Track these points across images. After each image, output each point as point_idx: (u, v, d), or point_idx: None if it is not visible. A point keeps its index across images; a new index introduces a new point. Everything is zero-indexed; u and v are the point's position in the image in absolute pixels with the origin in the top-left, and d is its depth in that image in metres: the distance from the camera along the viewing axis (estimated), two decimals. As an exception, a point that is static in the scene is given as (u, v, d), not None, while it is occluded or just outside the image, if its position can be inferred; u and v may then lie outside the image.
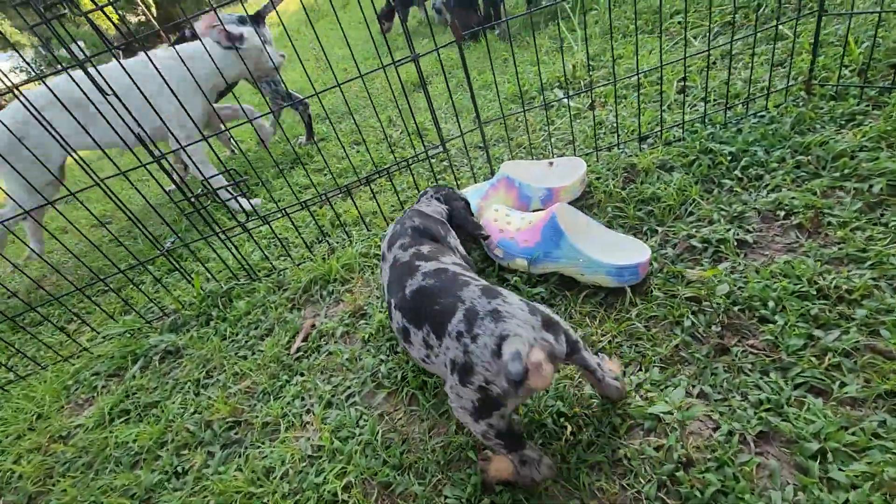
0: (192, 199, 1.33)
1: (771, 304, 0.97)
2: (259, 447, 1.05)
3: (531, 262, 1.18)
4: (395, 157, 1.68)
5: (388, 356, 1.15)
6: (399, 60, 1.31)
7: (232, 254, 1.51)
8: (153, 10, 6.05)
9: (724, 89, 1.65)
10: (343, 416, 1.05)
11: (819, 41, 1.45)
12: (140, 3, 5.55)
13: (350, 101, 3.19)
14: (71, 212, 3.28)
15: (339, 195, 1.94)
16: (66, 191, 1.22)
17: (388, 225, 1.62)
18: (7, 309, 2.15)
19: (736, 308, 0.99)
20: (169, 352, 1.45)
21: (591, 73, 2.21)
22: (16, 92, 1.18)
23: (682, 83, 1.82)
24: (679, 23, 2.33)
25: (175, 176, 1.29)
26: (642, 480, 0.79)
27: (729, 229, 1.17)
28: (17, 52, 1.18)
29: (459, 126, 1.57)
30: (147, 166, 1.29)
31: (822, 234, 1.09)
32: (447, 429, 0.97)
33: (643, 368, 0.96)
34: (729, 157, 1.36)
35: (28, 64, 1.25)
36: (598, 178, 1.45)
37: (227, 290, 1.57)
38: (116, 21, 1.17)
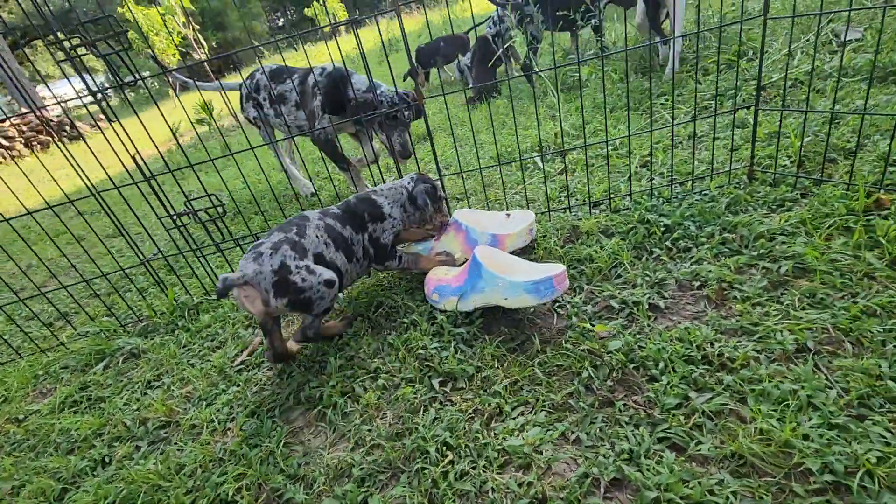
0: (174, 216, 1.50)
1: (661, 364, 1.04)
2: (181, 446, 1.14)
3: (461, 297, 1.28)
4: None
5: (316, 376, 1.25)
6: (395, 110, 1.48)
7: (206, 271, 1.65)
8: (206, 50, 6.68)
9: (682, 168, 1.77)
10: (260, 427, 1.13)
11: (777, 132, 1.57)
12: (198, 46, 6.16)
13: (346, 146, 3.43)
14: (93, 220, 3.54)
15: None
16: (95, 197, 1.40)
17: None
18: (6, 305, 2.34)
19: (631, 365, 1.06)
20: (133, 353, 1.57)
21: (566, 140, 2.38)
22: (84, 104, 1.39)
23: (645, 157, 1.96)
24: (662, 104, 2.50)
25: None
26: (499, 512, 0.85)
27: (646, 294, 1.25)
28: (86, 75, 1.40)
29: (440, 174, 1.72)
30: (139, 184, 1.46)
31: (726, 306, 1.17)
32: (345, 446, 1.04)
33: (533, 411, 1.03)
34: (663, 229, 1.45)
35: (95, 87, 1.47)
36: (543, 236, 1.56)
37: (196, 303, 1.70)
38: (177, 60, 1.39)
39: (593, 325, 1.18)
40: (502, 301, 1.23)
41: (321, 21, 10.89)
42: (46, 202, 1.49)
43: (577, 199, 1.79)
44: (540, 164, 2.16)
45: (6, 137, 10.09)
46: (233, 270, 1.76)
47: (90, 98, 1.33)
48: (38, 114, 1.37)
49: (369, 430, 1.06)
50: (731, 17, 3.28)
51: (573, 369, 1.10)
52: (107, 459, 1.16)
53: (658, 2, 2.88)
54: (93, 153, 1.47)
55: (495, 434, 0.99)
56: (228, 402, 1.24)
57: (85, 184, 1.44)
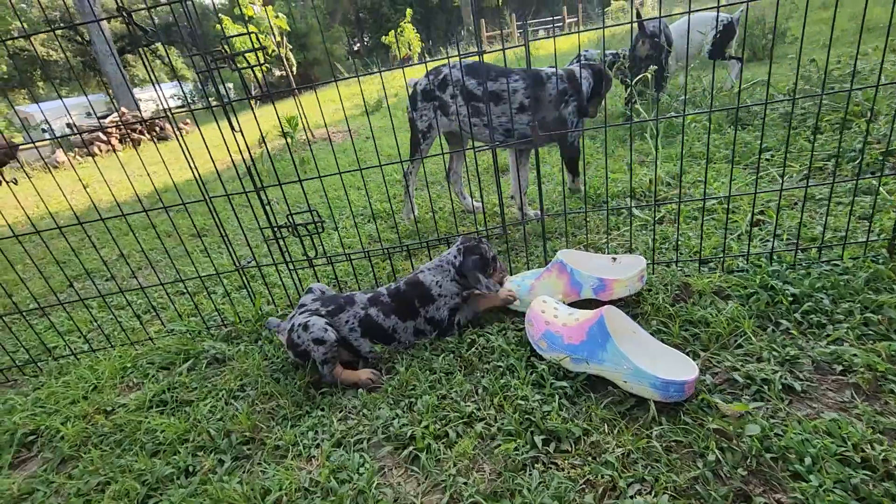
0: (275, 228, 1.52)
1: (808, 460, 0.90)
2: (264, 467, 1.11)
3: (574, 360, 1.19)
4: (459, 230, 1.79)
5: (405, 412, 1.19)
6: (479, 147, 1.46)
7: (295, 284, 1.66)
8: (294, 68, 7.07)
9: (797, 230, 1.63)
10: (346, 459, 1.08)
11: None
12: (284, 62, 6.55)
13: (431, 174, 3.45)
14: (178, 219, 3.73)
15: (402, 253, 2.08)
16: (180, 199, 1.45)
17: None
18: (103, 289, 2.46)
19: (768, 455, 0.93)
20: (217, 358, 1.58)
21: (661, 188, 2.26)
22: (169, 115, 1.45)
23: (757, 216, 1.82)
24: (767, 159, 2.35)
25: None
26: None
27: (777, 371, 1.11)
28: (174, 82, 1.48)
29: (522, 217, 1.66)
30: (248, 194, 1.50)
31: (881, 400, 1.02)
32: (439, 498, 0.97)
33: (653, 493, 0.92)
34: (790, 299, 1.32)
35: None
36: (649, 290, 1.46)
37: (280, 314, 1.70)
38: (261, 76, 1.44)
39: (719, 400, 1.05)
40: (620, 382, 1.13)
41: (396, 48, 11.33)
42: (160, 199, 1.55)
43: (681, 253, 1.68)
44: (637, 212, 2.06)
45: (105, 132, 11.05)
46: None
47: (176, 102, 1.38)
48: (141, 114, 1.43)
49: (465, 484, 0.98)
50: (837, 75, 3.09)
51: (695, 448, 0.98)
52: (191, 469, 1.14)
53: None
54: (208, 149, 1.52)
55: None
56: (313, 426, 1.20)
57: (200, 189, 1.48)
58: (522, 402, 1.12)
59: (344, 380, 1.33)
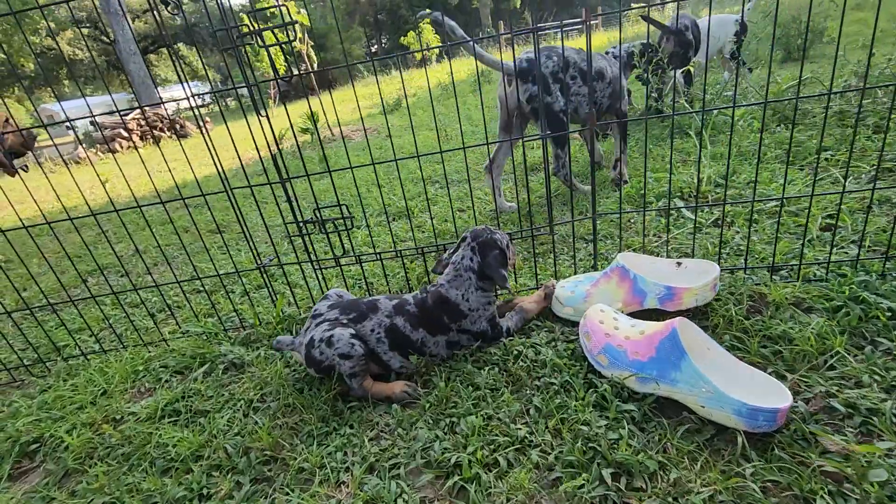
0: (300, 224, 1.39)
1: (949, 516, 0.74)
2: (287, 494, 0.97)
3: (641, 379, 1.04)
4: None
5: (447, 433, 1.04)
6: (529, 137, 1.31)
7: (319, 284, 1.53)
8: (315, 64, 7.01)
9: (882, 237, 1.45)
10: (382, 488, 0.94)
11: None
12: (306, 59, 6.48)
13: (457, 172, 3.31)
14: (196, 214, 3.65)
15: (437, 252, 1.94)
16: (200, 192, 1.33)
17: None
18: (116, 286, 2.36)
19: (893, 504, 0.77)
20: (234, 364, 1.45)
21: (710, 188, 2.09)
22: (196, 113, 1.34)
23: (826, 220, 1.64)
24: (826, 159, 2.16)
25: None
26: None
27: (886, 400, 0.95)
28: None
29: (572, 212, 1.52)
30: (272, 185, 1.37)
31: None
32: (494, 543, 0.82)
33: (754, 546, 0.76)
34: (889, 314, 1.14)
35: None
36: (717, 300, 1.30)
37: (304, 317, 1.57)
38: (282, 70, 1.31)
39: (848, 440, 0.89)
40: (696, 406, 0.98)
41: (415, 49, 11.23)
42: (179, 193, 1.43)
43: (743, 260, 1.51)
44: (689, 213, 1.89)
45: (126, 129, 11.15)
46: (347, 288, 1.63)
47: (200, 100, 1.25)
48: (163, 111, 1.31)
49: (523, 525, 0.83)
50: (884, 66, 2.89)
51: (798, 492, 0.82)
52: (205, 492, 1.01)
53: None
54: (232, 139, 1.39)
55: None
56: (342, 445, 1.06)
57: (220, 179, 1.36)
58: (584, 428, 0.97)
59: (375, 393, 1.19)
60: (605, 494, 0.86)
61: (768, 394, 0.95)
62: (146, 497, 1.02)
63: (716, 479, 0.86)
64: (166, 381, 1.43)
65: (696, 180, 2.17)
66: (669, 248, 1.68)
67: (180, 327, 1.69)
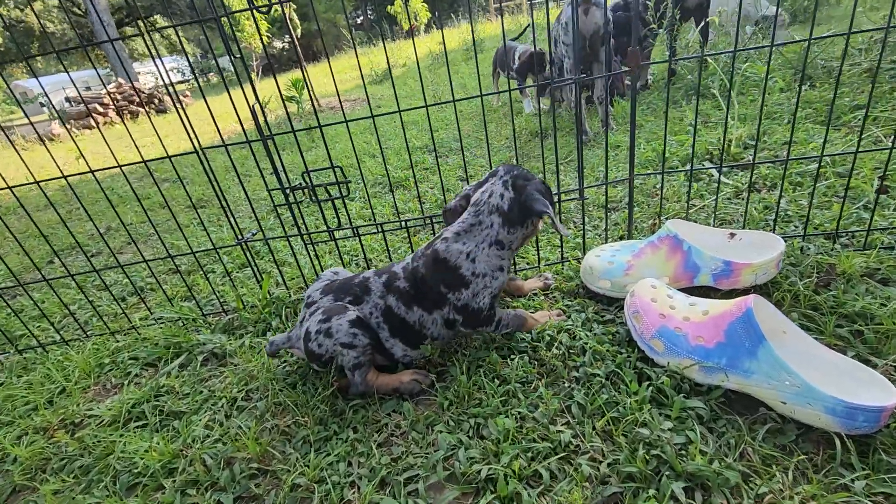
0: (287, 190, 1.17)
1: None
2: (280, 517, 0.79)
3: (705, 368, 0.86)
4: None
5: (472, 438, 0.86)
6: (560, 81, 1.10)
7: (311, 260, 1.32)
8: (299, 31, 6.58)
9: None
10: (397, 509, 0.76)
11: None
12: (288, 23, 6.00)
13: (466, 135, 3.08)
14: (172, 190, 3.39)
15: (444, 223, 1.74)
16: (175, 174, 1.11)
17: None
18: (83, 268, 2.13)
19: None
20: (215, 354, 1.26)
21: (739, 151, 1.90)
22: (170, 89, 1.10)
23: (882, 181, 1.46)
24: (859, 118, 1.98)
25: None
26: None
27: None
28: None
29: (606, 173, 1.31)
30: (251, 144, 1.15)
31: None
32: (545, 583, 0.65)
33: (880, 583, 0.59)
34: (985, 286, 0.97)
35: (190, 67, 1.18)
36: (778, 275, 1.11)
37: (295, 300, 1.37)
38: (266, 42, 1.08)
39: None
40: (774, 403, 0.80)
41: (402, 20, 10.74)
42: (148, 170, 1.20)
43: (795, 226, 1.33)
44: (721, 176, 1.70)
45: (102, 104, 10.63)
46: (343, 265, 1.42)
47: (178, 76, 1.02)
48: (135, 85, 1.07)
49: (580, 558, 0.66)
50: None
51: (919, 507, 0.66)
52: (179, 515, 0.83)
53: None
54: (210, 110, 1.16)
55: None
56: (345, 454, 0.88)
57: (192, 141, 1.14)
58: (643, 431, 0.79)
59: (380, 386, 1.00)
60: (678, 515, 0.69)
61: (864, 386, 0.78)
62: (106, 524, 0.83)
63: (814, 494, 0.69)
64: (135, 375, 1.23)
65: (723, 141, 1.98)
66: (708, 215, 1.49)
67: (152, 313, 1.48)
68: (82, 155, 1.29)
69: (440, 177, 1.31)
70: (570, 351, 1.01)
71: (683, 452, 0.76)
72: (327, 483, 0.83)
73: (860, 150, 1.17)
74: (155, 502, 0.85)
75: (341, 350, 0.96)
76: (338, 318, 0.97)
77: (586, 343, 1.00)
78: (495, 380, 0.97)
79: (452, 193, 2.09)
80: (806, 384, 0.76)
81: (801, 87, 1.16)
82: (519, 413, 0.88)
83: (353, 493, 0.82)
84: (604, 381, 0.91)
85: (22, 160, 1.23)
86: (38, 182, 1.22)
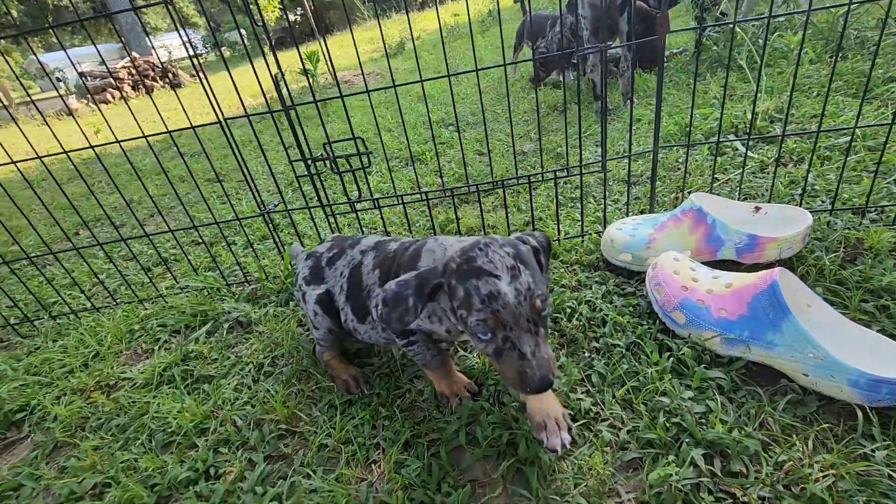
0: (309, 161, 1.18)
1: None
2: (309, 476, 0.82)
3: (728, 341, 0.86)
4: (517, 172, 1.44)
5: (492, 404, 0.88)
6: (585, 49, 1.08)
7: (332, 231, 1.34)
8: (313, 2, 6.47)
9: None
10: (420, 469, 0.79)
11: None
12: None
13: (486, 109, 3.03)
14: (192, 164, 3.42)
15: (469, 194, 1.74)
16: (200, 147, 1.12)
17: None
18: (108, 239, 2.18)
19: None
20: (240, 322, 1.29)
21: (765, 125, 1.85)
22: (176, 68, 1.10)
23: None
24: (893, 91, 1.90)
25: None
26: None
27: None
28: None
29: (630, 144, 1.29)
30: (273, 114, 1.15)
31: None
32: (565, 540, 0.67)
33: (897, 548, 0.60)
34: None
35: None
36: (803, 249, 1.10)
37: (315, 271, 1.39)
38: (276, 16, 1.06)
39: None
40: (796, 375, 0.81)
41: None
42: (174, 143, 1.22)
43: (822, 201, 1.30)
44: (743, 149, 1.66)
45: (117, 79, 10.67)
46: (362, 233, 1.44)
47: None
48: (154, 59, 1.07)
49: (600, 518, 0.68)
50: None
51: (941, 478, 0.66)
52: (212, 471, 0.87)
53: None
54: (232, 80, 1.16)
55: None
56: (369, 418, 0.91)
57: (215, 112, 1.15)
58: (663, 400, 0.81)
59: (330, 372, 1.03)
60: (697, 481, 0.70)
61: (888, 360, 0.77)
62: (145, 477, 0.88)
63: (834, 462, 0.70)
64: (164, 341, 1.27)
65: (752, 114, 1.92)
66: (732, 189, 1.47)
67: (178, 282, 1.52)
68: (109, 126, 1.30)
69: (461, 149, 1.30)
70: (591, 322, 1.01)
71: (703, 421, 0.77)
72: (353, 444, 0.86)
73: (895, 122, 1.14)
74: (189, 459, 0.90)
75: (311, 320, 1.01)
76: (314, 289, 1.00)
77: (607, 315, 1.01)
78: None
79: (472, 168, 2.08)
80: (830, 357, 0.76)
81: (836, 57, 1.11)
82: (539, 381, 0.90)
83: (379, 453, 0.85)
84: (624, 351, 0.92)
85: (52, 132, 1.25)
86: (66, 152, 1.25)
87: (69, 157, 1.26)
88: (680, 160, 1.76)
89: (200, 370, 1.12)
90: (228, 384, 1.06)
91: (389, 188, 2.04)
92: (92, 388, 1.13)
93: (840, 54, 2.42)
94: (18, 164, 1.26)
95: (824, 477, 0.68)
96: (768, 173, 1.53)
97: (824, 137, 1.62)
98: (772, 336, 0.82)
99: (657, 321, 0.97)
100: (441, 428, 0.86)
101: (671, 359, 0.88)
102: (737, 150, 1.71)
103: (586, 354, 0.95)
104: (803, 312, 0.86)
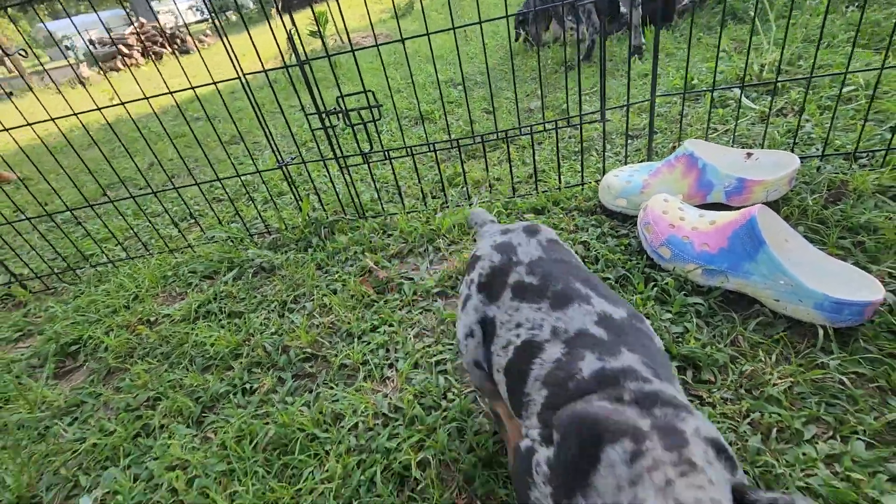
0: (323, 114, 1.26)
1: None
2: (332, 388, 0.94)
3: (708, 272, 0.94)
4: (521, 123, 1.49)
5: (493, 330, 0.99)
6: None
7: (346, 185, 1.43)
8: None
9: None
10: (430, 383, 0.90)
11: None
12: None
13: (492, 68, 3.04)
14: (206, 127, 3.50)
15: (472, 147, 1.81)
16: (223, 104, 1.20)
17: (513, 194, 1.45)
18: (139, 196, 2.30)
19: None
20: (263, 268, 1.41)
21: (772, 76, 1.86)
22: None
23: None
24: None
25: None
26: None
27: None
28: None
29: (628, 93, 1.34)
30: (289, 70, 1.22)
31: None
32: (552, 433, 0.78)
33: (837, 437, 0.70)
34: None
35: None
36: (790, 191, 1.16)
37: (331, 221, 1.49)
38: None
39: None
40: (769, 301, 0.89)
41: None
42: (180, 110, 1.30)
43: (817, 149, 1.35)
44: (748, 102, 1.69)
45: (126, 45, 10.64)
46: (376, 190, 1.52)
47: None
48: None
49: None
50: None
51: (887, 384, 0.75)
52: (248, 387, 0.99)
53: None
54: (252, 41, 1.23)
55: (787, 461, 0.68)
56: (384, 343, 1.02)
57: (233, 65, 1.22)
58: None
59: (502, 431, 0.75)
60: (670, 387, 0.80)
61: (856, 287, 0.85)
62: (190, 392, 1.01)
63: (793, 371, 0.79)
64: (196, 285, 1.40)
65: (756, 66, 1.93)
66: (728, 139, 1.51)
67: (205, 233, 1.63)
68: (118, 96, 1.38)
69: (468, 107, 1.37)
70: (585, 260, 1.10)
71: (680, 339, 0.87)
72: (370, 364, 0.98)
73: (885, 66, 1.17)
74: (227, 378, 1.02)
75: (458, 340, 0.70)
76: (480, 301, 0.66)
77: (599, 253, 1.09)
78: None
79: (479, 125, 2.13)
80: (798, 282, 0.84)
81: (864, 9, 1.14)
82: (535, 310, 1.00)
83: (392, 371, 0.96)
84: (613, 283, 1.01)
85: (64, 98, 1.34)
86: (98, 108, 1.34)
87: (84, 127, 1.35)
88: (683, 113, 1.79)
89: (231, 307, 1.24)
90: (257, 318, 1.18)
91: (401, 145, 2.11)
92: (136, 323, 1.27)
93: (856, 4, 2.37)
94: (41, 130, 1.36)
95: (782, 382, 0.78)
96: (768, 124, 1.57)
97: (827, 88, 1.63)
98: (748, 266, 0.90)
99: (645, 257, 1.05)
100: (447, 349, 0.97)
101: (655, 288, 0.97)
102: (737, 99, 1.74)
103: (579, 287, 1.04)
104: (781, 247, 0.94)
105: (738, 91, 1.82)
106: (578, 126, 1.33)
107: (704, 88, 1.60)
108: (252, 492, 0.77)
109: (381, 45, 1.20)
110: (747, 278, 0.91)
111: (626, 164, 1.40)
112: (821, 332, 0.83)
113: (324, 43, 1.21)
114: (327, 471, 0.78)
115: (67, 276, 1.63)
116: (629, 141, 1.66)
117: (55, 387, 1.16)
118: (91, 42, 12.40)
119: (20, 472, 0.91)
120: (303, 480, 0.78)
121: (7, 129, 1.37)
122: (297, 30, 1.16)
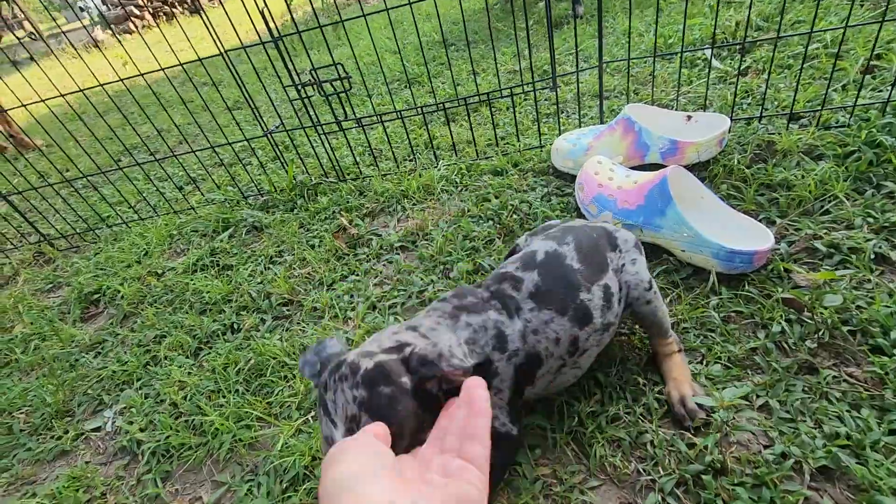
0: (299, 87, 1.39)
1: (894, 334, 0.79)
2: (303, 326, 1.12)
3: (626, 226, 1.07)
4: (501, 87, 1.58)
5: (440, 278, 1.14)
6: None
7: (326, 151, 1.57)
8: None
9: (928, 76, 1.31)
10: (381, 321, 1.07)
11: None
12: None
13: (473, 33, 3.06)
14: (212, 93, 3.63)
15: (439, 114, 1.91)
16: (209, 77, 1.33)
17: (477, 157, 1.57)
18: (145, 163, 2.48)
19: (845, 328, 0.82)
20: (255, 227, 1.58)
21: (751, 33, 1.88)
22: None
23: (869, 60, 1.47)
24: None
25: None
26: (661, 471, 0.72)
27: (871, 239, 0.95)
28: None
29: (577, 61, 1.43)
30: (265, 44, 1.34)
31: None
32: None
33: (704, 362, 0.85)
34: (903, 156, 1.09)
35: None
36: (721, 151, 1.26)
37: (315, 184, 1.65)
38: None
39: (796, 268, 0.92)
40: (677, 251, 1.01)
41: None
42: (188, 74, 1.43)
43: (767, 109, 1.41)
44: (715, 62, 1.73)
45: (138, 7, 10.64)
46: (354, 156, 1.66)
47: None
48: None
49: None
50: None
51: (758, 319, 0.89)
52: (235, 326, 1.19)
53: None
54: (230, 20, 1.34)
55: (656, 382, 0.83)
56: (349, 290, 1.19)
57: (216, 45, 1.35)
58: (565, 270, 1.04)
59: None
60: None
61: (752, 238, 0.97)
62: (189, 330, 1.21)
63: (682, 311, 0.93)
64: (197, 242, 1.58)
65: (735, 24, 1.94)
66: (686, 100, 1.58)
67: (205, 196, 1.81)
68: (132, 60, 1.53)
69: (450, 70, 1.47)
70: (527, 216, 1.23)
71: (592, 284, 1.01)
72: (336, 308, 1.15)
73: (850, 24, 1.22)
74: (219, 319, 1.21)
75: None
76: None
77: (539, 210, 1.22)
78: (465, 239, 1.22)
79: (463, 87, 2.21)
80: (698, 235, 0.97)
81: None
82: (479, 262, 1.15)
83: (353, 313, 1.13)
84: (547, 237, 1.15)
85: (86, 65, 1.49)
86: (110, 81, 1.49)
87: (105, 90, 1.50)
88: (653, 73, 1.84)
89: (224, 261, 1.42)
90: (246, 269, 1.36)
91: (390, 108, 2.21)
92: (146, 276, 1.46)
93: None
94: (56, 97, 1.52)
95: (672, 318, 0.92)
96: (731, 84, 1.62)
97: (794, 45, 1.67)
98: (659, 221, 1.02)
99: (579, 214, 1.18)
100: (401, 295, 1.13)
101: (580, 241, 1.10)
102: (706, 60, 1.78)
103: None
104: (696, 203, 1.05)
105: (707, 52, 1.86)
106: (532, 91, 1.42)
107: (673, 52, 1.65)
108: (233, 403, 0.97)
109: (369, 14, 1.30)
110: (658, 231, 1.03)
111: (580, 126, 1.50)
112: (712, 277, 0.96)
113: (314, 12, 1.32)
114: (293, 389, 0.97)
115: (88, 236, 1.84)
116: (598, 102, 1.73)
117: (82, 328, 1.38)
118: (104, 2, 12.43)
119: (57, 391, 1.13)
120: (273, 395, 0.97)
121: (24, 105, 1.54)
122: (267, 6, 1.26)
